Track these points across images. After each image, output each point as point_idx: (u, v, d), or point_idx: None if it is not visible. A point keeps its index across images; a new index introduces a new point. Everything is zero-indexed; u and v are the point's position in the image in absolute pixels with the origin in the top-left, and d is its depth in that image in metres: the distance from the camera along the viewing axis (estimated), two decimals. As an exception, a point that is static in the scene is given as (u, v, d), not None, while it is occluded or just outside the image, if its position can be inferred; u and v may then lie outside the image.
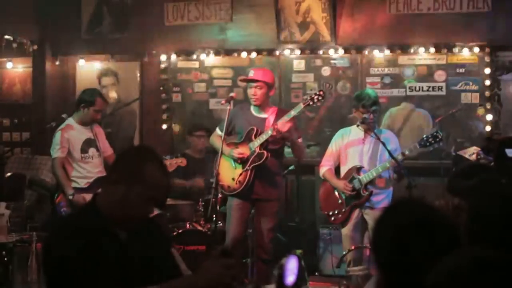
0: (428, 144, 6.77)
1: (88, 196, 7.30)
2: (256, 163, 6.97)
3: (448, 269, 1.92)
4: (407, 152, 6.80)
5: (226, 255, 3.00)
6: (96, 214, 3.24)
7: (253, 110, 7.15)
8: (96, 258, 3.09)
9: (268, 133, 6.88)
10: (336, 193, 7.22)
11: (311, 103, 6.84)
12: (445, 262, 1.94)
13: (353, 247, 7.20)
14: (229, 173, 7.07)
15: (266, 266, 7.05)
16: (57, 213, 7.42)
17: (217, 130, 7.32)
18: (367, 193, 7.02)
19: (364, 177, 7.01)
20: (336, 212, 7.23)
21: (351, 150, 7.20)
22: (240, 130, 7.14)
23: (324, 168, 7.34)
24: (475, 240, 2.52)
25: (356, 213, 7.14)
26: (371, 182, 7.03)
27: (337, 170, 7.32)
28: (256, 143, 6.96)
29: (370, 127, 7.00)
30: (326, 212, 7.35)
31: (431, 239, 2.31)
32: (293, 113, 6.79)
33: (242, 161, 7.00)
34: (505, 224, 2.50)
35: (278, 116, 6.94)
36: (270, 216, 7.11)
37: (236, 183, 7.04)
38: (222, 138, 7.06)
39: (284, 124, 6.75)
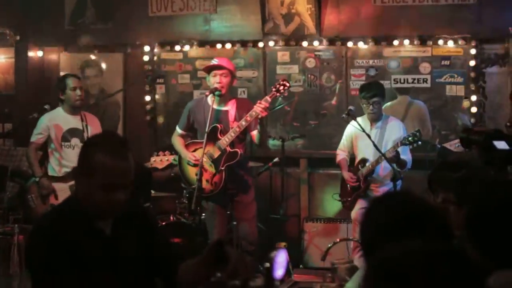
0: (407, 143, 6.97)
1: (59, 186, 7.31)
2: (230, 163, 6.91)
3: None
4: (396, 147, 7.05)
5: (221, 247, 2.97)
6: (78, 209, 3.24)
7: (212, 102, 6.98)
8: (76, 259, 3.11)
9: (236, 130, 6.82)
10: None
11: (277, 94, 6.80)
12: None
13: (338, 240, 7.24)
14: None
15: (252, 258, 7.02)
16: (26, 201, 7.45)
17: (177, 129, 7.30)
18: (365, 184, 7.41)
19: (364, 169, 7.38)
20: (346, 199, 7.69)
21: (359, 141, 7.51)
22: (199, 125, 7.06)
23: (339, 157, 7.79)
24: (474, 230, 2.50)
25: (361, 201, 7.49)
26: (373, 173, 7.39)
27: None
28: (225, 141, 6.89)
29: (374, 118, 7.40)
30: (340, 199, 7.84)
31: (422, 230, 2.29)
32: (268, 99, 6.74)
33: (214, 162, 6.93)
34: (504, 211, 2.49)
35: (239, 107, 6.93)
36: (249, 206, 7.10)
37: (211, 185, 6.97)
38: (180, 135, 7.27)
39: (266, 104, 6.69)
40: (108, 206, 3.19)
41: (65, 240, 3.12)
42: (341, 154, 7.73)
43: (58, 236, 3.14)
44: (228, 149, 6.88)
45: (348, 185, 7.56)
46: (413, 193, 2.52)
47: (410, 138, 6.97)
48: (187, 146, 7.17)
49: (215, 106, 6.98)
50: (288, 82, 6.86)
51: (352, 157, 7.80)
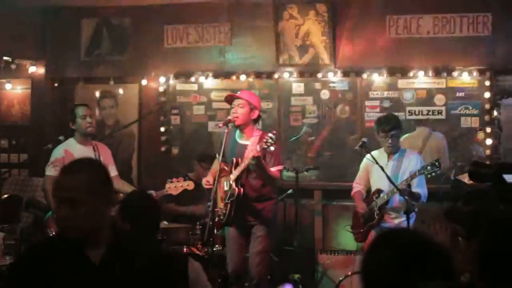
0: (426, 172, 6.80)
1: None
2: (232, 198, 6.86)
3: None
4: (409, 179, 6.85)
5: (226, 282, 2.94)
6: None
7: (236, 135, 7.01)
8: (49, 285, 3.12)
9: (240, 168, 6.77)
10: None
11: (265, 146, 6.46)
12: None
13: (349, 273, 7.20)
14: (220, 201, 7.02)
15: None
16: (45, 234, 7.39)
17: (217, 155, 7.29)
18: (379, 215, 7.19)
19: (378, 200, 7.20)
20: (358, 231, 7.50)
21: (374, 172, 7.35)
22: (227, 156, 7.04)
23: (354, 190, 7.61)
24: (485, 266, 2.48)
25: (374, 233, 7.26)
26: (387, 205, 7.18)
27: None
28: (233, 176, 6.85)
29: (392, 151, 7.24)
30: (352, 231, 7.64)
31: (424, 269, 2.26)
32: (258, 148, 6.50)
33: (229, 193, 6.88)
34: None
35: (260, 142, 6.61)
36: (256, 240, 6.96)
37: (223, 213, 6.97)
38: (219, 161, 6.93)
39: (253, 152, 6.53)
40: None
41: (36, 267, 3.15)
42: (357, 187, 7.60)
43: (36, 263, 3.18)
44: (234, 184, 6.86)
45: (364, 216, 7.39)
46: (415, 232, 2.49)
47: (429, 167, 6.86)
48: (222, 170, 7.04)
49: (237, 139, 6.98)
50: (272, 136, 6.46)
51: (368, 189, 7.68)
